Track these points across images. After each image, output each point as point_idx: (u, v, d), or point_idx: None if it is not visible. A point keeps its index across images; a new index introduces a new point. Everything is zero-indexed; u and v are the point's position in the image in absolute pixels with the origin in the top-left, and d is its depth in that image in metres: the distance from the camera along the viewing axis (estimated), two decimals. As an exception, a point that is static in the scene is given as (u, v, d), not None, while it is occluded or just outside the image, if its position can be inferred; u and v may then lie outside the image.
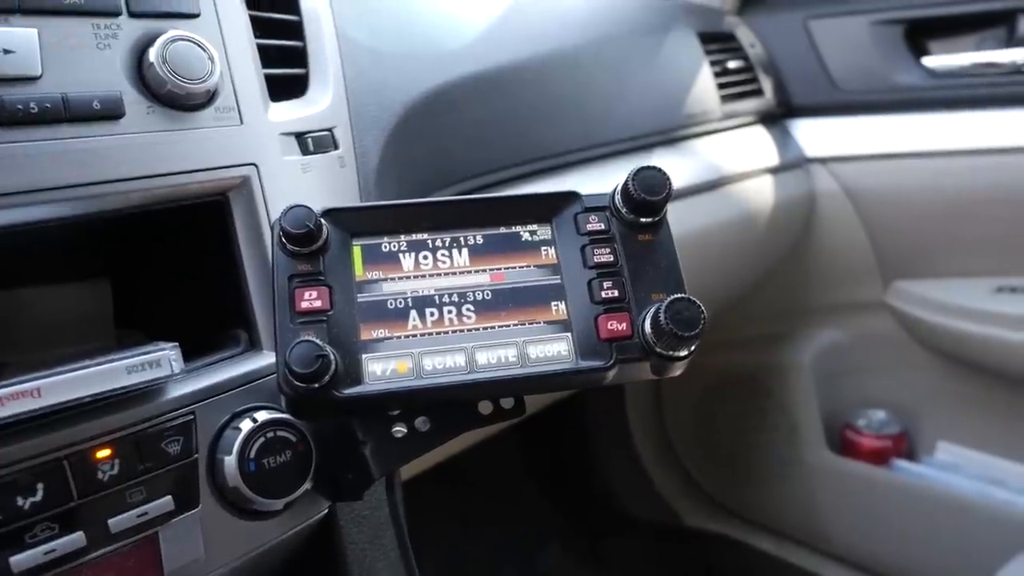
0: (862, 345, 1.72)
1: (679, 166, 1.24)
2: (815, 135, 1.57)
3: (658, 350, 0.52)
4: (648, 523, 1.94)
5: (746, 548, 1.82)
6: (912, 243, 1.56)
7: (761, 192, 1.43)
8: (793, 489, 1.77)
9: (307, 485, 0.55)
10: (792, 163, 1.53)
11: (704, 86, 1.39)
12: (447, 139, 0.90)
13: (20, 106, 0.50)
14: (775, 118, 1.58)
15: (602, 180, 1.07)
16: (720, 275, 1.41)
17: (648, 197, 0.54)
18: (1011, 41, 1.41)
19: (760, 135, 1.51)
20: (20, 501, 0.45)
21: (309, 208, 0.51)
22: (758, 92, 1.53)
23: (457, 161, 0.91)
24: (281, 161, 0.64)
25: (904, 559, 1.62)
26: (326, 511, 0.61)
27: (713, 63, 1.42)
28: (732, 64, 1.48)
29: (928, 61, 1.48)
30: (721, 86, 1.42)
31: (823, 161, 1.56)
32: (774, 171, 1.47)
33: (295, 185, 0.64)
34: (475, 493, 1.81)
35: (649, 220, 0.56)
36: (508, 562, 1.76)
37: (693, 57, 1.39)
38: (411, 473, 1.01)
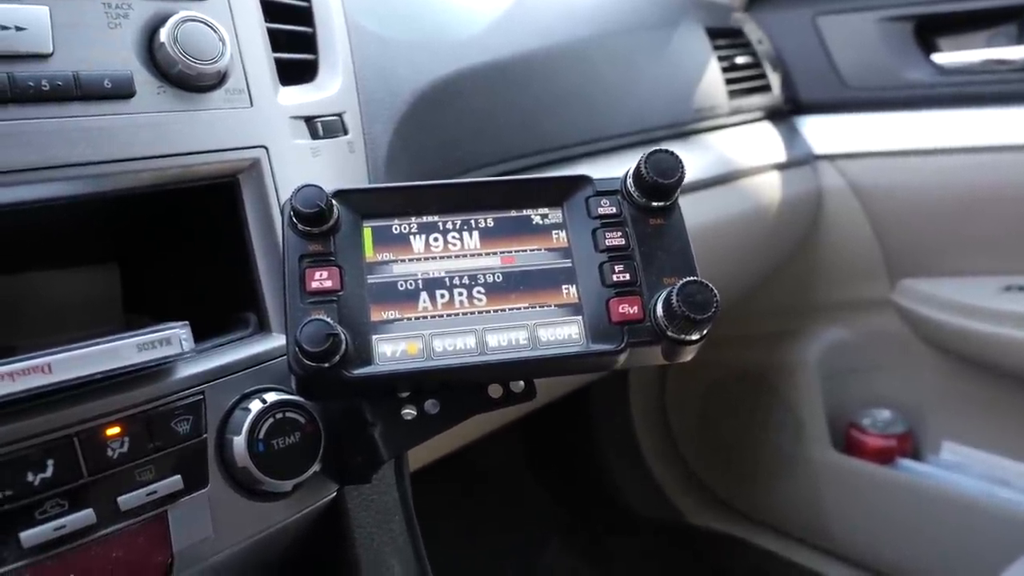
0: (868, 343, 1.71)
1: (687, 160, 1.21)
2: (823, 132, 1.57)
3: (670, 334, 0.51)
4: (651, 520, 1.93)
5: (750, 546, 1.82)
6: (920, 241, 1.55)
7: (768, 188, 1.43)
8: (797, 488, 1.77)
9: (316, 467, 0.55)
10: (799, 159, 1.53)
11: (712, 81, 1.38)
12: (456, 128, 0.90)
13: (31, 83, 0.50)
14: (783, 114, 1.57)
15: (609, 172, 1.06)
16: (727, 270, 1.41)
17: (661, 180, 0.54)
18: (1022, 38, 1.40)
19: (767, 131, 1.50)
20: (30, 477, 0.45)
21: (320, 188, 0.51)
22: (766, 88, 1.52)
23: (465, 151, 0.91)
24: (291, 144, 0.64)
25: (909, 559, 1.61)
26: (335, 494, 0.60)
27: (721, 58, 1.42)
28: (740, 60, 1.48)
29: (937, 58, 1.48)
30: (729, 81, 1.42)
31: (831, 158, 1.55)
32: (781, 167, 1.47)
33: (305, 169, 0.64)
34: (478, 488, 1.81)
35: (661, 204, 0.56)
36: (510, 557, 1.76)
37: (701, 52, 1.39)
38: (413, 467, 1.00)
